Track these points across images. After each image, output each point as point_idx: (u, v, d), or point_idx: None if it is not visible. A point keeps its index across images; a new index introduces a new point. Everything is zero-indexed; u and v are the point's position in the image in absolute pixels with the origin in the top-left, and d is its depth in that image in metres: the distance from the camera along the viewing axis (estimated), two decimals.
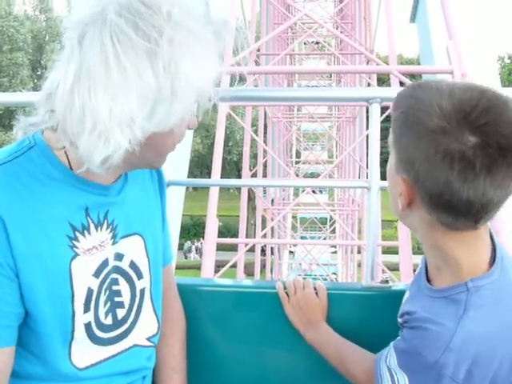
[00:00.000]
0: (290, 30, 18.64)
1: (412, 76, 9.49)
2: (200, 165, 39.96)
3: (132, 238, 1.31)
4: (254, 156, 17.89)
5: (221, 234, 10.81)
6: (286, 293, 1.66)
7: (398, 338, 1.23)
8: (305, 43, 24.98)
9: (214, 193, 8.44)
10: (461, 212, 1.06)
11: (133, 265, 1.31)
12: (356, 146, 14.96)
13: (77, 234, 1.17)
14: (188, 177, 9.83)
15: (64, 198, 1.16)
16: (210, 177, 9.09)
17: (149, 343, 1.36)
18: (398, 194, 1.14)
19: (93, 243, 1.20)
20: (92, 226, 1.20)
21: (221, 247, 10.54)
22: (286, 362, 1.72)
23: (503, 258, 1.16)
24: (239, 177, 25.70)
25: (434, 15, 8.62)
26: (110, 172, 1.16)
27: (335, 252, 25.90)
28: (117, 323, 1.27)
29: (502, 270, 1.13)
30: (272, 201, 17.71)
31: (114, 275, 1.26)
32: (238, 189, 24.25)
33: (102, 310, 1.23)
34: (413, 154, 1.06)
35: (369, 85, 14.15)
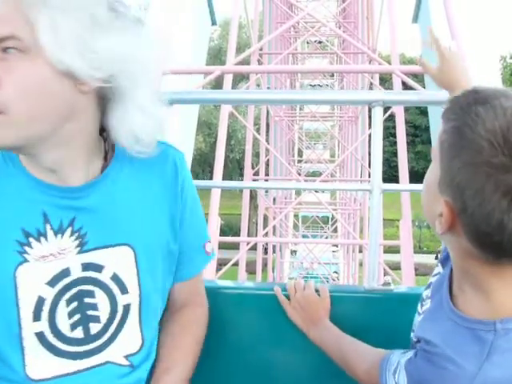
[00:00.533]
0: (293, 29, 18.63)
1: (414, 75, 9.47)
2: (202, 163, 39.94)
3: (117, 249, 1.19)
4: (257, 154, 17.89)
5: (222, 233, 10.80)
6: (286, 295, 1.67)
7: (409, 354, 1.16)
8: (307, 42, 24.99)
9: (215, 192, 8.46)
10: (507, 252, 0.98)
11: (115, 277, 1.20)
12: (358, 145, 14.96)
13: (30, 239, 1.11)
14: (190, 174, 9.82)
15: (20, 202, 1.11)
16: (212, 175, 9.09)
17: (126, 362, 1.24)
18: (437, 215, 1.04)
19: (50, 250, 1.13)
20: (50, 233, 1.13)
21: (222, 245, 10.55)
22: (289, 363, 1.73)
23: None
24: (241, 175, 25.66)
25: (437, 15, 8.62)
26: (71, 168, 1.13)
27: (337, 251, 25.92)
28: (89, 338, 1.19)
29: None
30: (274, 199, 17.71)
31: (85, 287, 1.17)
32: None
33: (63, 322, 1.16)
34: (464, 182, 0.96)
35: (371, 84, 14.15)
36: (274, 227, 16.19)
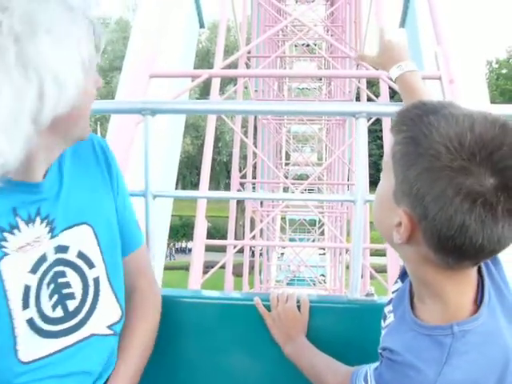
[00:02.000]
0: (281, 33, 18.65)
1: None
2: (190, 165, 39.90)
3: (78, 229, 1.29)
4: (244, 157, 17.89)
5: (210, 235, 10.77)
6: (267, 306, 1.68)
7: (376, 366, 1.19)
8: (295, 45, 25.02)
9: (204, 185, 8.47)
10: (468, 255, 1.00)
11: (81, 255, 1.29)
12: (345, 148, 15.00)
13: (5, 234, 1.16)
14: (177, 177, 9.83)
15: None
16: (199, 177, 9.09)
17: (109, 331, 1.34)
18: (395, 226, 1.06)
19: (25, 240, 1.19)
20: (22, 224, 1.19)
21: (209, 248, 10.54)
22: (271, 374, 1.74)
23: (491, 297, 1.10)
24: (229, 177, 25.63)
25: (423, 20, 8.67)
26: (35, 168, 1.17)
27: (324, 254, 25.96)
28: (68, 315, 1.26)
29: (489, 311, 1.08)
30: (261, 202, 17.71)
31: (58, 268, 1.24)
32: (227, 190, 24.22)
33: (46, 304, 1.22)
34: (424, 188, 0.97)
35: (358, 88, 14.21)
36: (261, 230, 16.19)
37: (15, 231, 1.18)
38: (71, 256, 1.27)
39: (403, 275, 1.28)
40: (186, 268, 10.75)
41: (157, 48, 7.03)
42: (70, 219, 1.27)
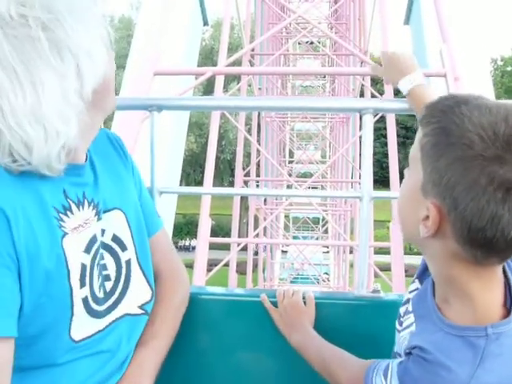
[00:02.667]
0: (285, 30, 18.63)
1: None
2: (193, 163, 39.94)
3: (112, 213, 1.35)
4: (248, 155, 17.88)
5: (213, 233, 10.81)
6: (274, 302, 1.68)
7: (401, 360, 1.15)
8: (299, 43, 25.00)
9: (207, 182, 8.47)
10: (498, 249, 0.98)
11: (115, 238, 1.35)
12: (349, 146, 14.98)
13: (61, 215, 1.21)
14: (181, 175, 9.85)
15: (44, 183, 1.19)
16: (203, 175, 9.10)
17: (140, 311, 1.40)
18: (421, 219, 1.04)
19: (78, 222, 1.24)
20: (73, 206, 1.24)
21: (213, 246, 10.54)
22: (278, 369, 1.74)
23: None
24: (232, 175, 25.67)
25: (428, 18, 8.65)
26: (80, 148, 1.23)
27: (327, 252, 25.95)
28: (107, 295, 1.32)
29: None
30: (265, 200, 17.72)
31: (100, 250, 1.30)
32: (231, 187, 24.23)
33: (96, 284, 1.27)
34: (455, 178, 0.95)
35: (362, 85, 14.18)
36: (265, 228, 16.19)
37: (68, 213, 1.23)
38: (107, 239, 1.34)
39: (421, 275, 1.26)
40: (190, 266, 10.72)
41: (160, 46, 7.03)
42: (106, 203, 1.34)
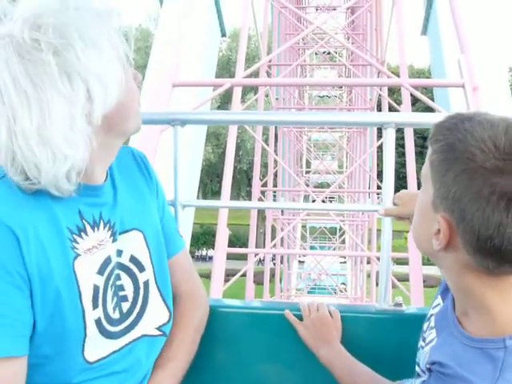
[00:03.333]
0: (302, 41, 18.68)
1: (423, 88, 9.47)
2: (211, 173, 40.04)
3: (130, 234, 1.35)
4: (265, 165, 17.91)
5: (230, 243, 10.80)
6: (296, 315, 1.68)
7: (423, 380, 1.16)
8: (316, 53, 25.03)
9: (225, 194, 8.49)
10: (508, 258, 0.99)
11: (133, 259, 1.35)
12: (367, 157, 14.95)
13: (74, 236, 1.21)
14: (198, 185, 9.89)
15: (58, 203, 1.20)
16: (220, 185, 9.14)
17: (158, 332, 1.39)
18: (434, 233, 1.07)
19: (92, 243, 1.24)
20: (88, 227, 1.24)
21: (230, 256, 10.55)
22: (296, 383, 1.74)
23: None
24: (249, 185, 25.69)
25: (446, 28, 8.64)
26: (96, 170, 1.24)
27: (345, 262, 25.86)
28: (123, 316, 1.31)
29: None
30: (282, 211, 17.71)
31: (116, 271, 1.30)
32: (249, 198, 24.19)
33: (110, 306, 1.27)
34: (461, 190, 0.99)
35: (380, 96, 14.16)
36: (282, 238, 16.18)
37: (83, 234, 1.23)
38: (125, 260, 1.34)
39: (443, 292, 1.27)
40: (207, 276, 10.76)
41: (179, 57, 7.08)
42: (124, 224, 1.34)
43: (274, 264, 19.05)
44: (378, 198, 14.16)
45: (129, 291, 1.34)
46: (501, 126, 0.99)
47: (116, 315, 1.29)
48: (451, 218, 1.02)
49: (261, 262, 20.66)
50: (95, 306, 1.23)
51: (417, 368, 1.28)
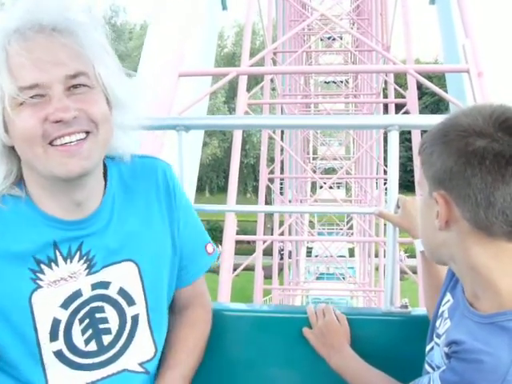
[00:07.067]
0: (307, 27, 18.56)
1: (429, 76, 9.39)
2: (217, 168, 39.85)
3: (121, 265, 1.30)
4: (271, 160, 17.83)
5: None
6: (304, 318, 1.69)
7: (443, 368, 1.16)
8: (321, 39, 24.87)
9: (232, 195, 8.48)
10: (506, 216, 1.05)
11: (122, 292, 1.30)
12: (373, 143, 14.91)
13: (42, 266, 1.21)
14: (204, 180, 9.88)
15: (30, 235, 1.20)
16: (226, 180, 9.08)
17: (141, 369, 1.35)
18: (435, 217, 1.13)
19: (60, 275, 1.22)
20: (60, 259, 1.23)
21: (237, 251, 10.47)
22: None
23: None
24: (256, 180, 25.67)
25: (453, 16, 8.52)
26: (94, 195, 1.25)
27: (352, 248, 25.88)
28: (103, 349, 1.29)
29: None
30: (289, 201, 17.74)
31: (95, 304, 1.27)
32: (256, 192, 24.08)
33: (78, 338, 1.25)
34: (444, 161, 1.08)
35: (386, 82, 14.08)
36: (290, 226, 16.18)
37: (53, 265, 1.22)
38: (112, 292, 1.29)
39: (452, 289, 1.30)
40: (213, 271, 10.76)
41: (184, 47, 7.00)
42: (113, 255, 1.29)
43: (282, 258, 19.10)
44: (385, 184, 14.14)
45: (113, 324, 1.30)
46: (482, 112, 1.08)
47: (91, 347, 1.27)
48: (445, 192, 1.10)
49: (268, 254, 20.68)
50: (54, 338, 1.23)
51: (428, 368, 1.29)
